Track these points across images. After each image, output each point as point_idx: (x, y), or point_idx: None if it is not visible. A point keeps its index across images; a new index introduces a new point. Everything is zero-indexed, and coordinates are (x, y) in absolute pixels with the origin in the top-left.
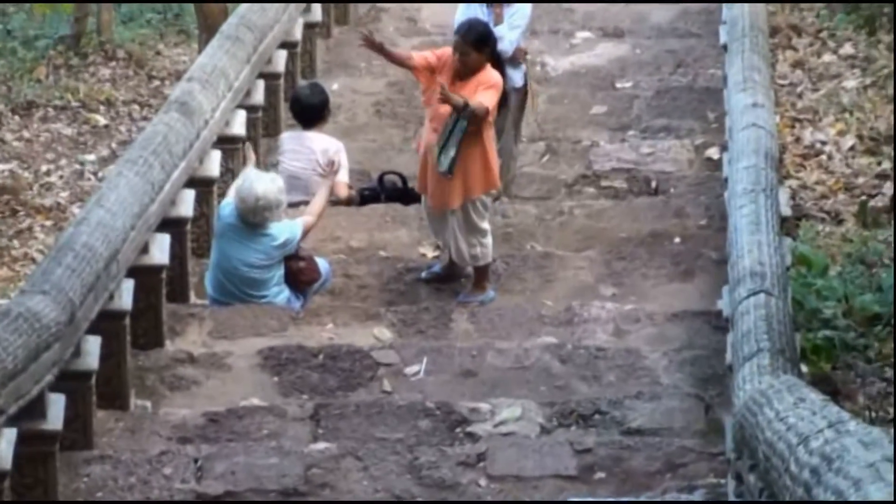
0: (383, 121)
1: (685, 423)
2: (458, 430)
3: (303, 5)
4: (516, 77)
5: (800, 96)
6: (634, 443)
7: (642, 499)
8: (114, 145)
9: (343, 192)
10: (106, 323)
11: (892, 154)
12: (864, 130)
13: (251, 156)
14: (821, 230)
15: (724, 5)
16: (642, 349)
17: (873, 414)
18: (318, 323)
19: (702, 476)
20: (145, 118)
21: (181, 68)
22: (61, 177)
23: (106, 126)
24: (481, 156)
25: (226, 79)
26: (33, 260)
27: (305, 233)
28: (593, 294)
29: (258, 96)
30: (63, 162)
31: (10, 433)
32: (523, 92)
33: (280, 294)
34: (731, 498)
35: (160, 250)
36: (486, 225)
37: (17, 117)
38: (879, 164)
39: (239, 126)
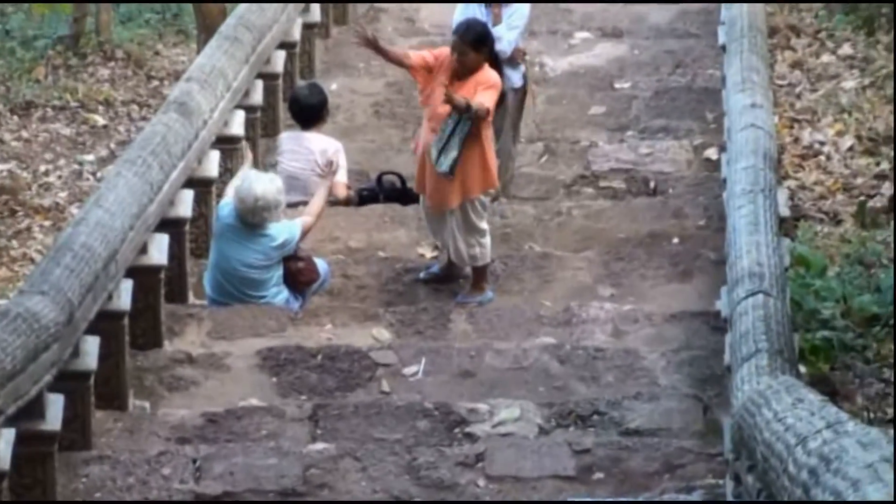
0: (382, 121)
1: (683, 424)
2: (456, 430)
3: (301, 6)
4: (515, 77)
5: (798, 97)
6: (633, 443)
7: (640, 499)
8: (112, 145)
9: (342, 192)
10: (104, 323)
11: (891, 154)
12: (862, 131)
13: (248, 154)
14: (819, 231)
15: (723, 6)
16: (641, 350)
17: (872, 414)
18: (317, 323)
19: (700, 477)
20: (144, 118)
21: (180, 68)
22: (60, 177)
23: (104, 126)
24: (480, 156)
25: (224, 79)
26: (32, 260)
27: (304, 233)
28: (592, 294)
29: (257, 96)
30: (62, 162)
31: (9, 433)
32: (522, 92)
33: (279, 294)
34: (730, 499)
35: (159, 250)
36: (484, 225)
37: (15, 117)
38: (878, 164)
39: (237, 126)
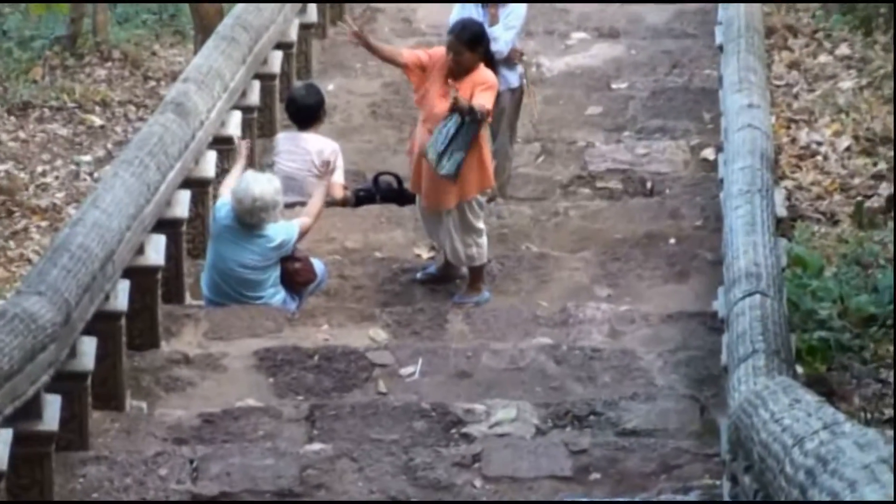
0: (379, 121)
1: (680, 425)
2: (453, 431)
3: (298, 6)
4: (512, 78)
5: (796, 97)
6: (629, 444)
7: (637, 500)
8: (109, 146)
9: (338, 192)
10: (101, 324)
11: (888, 155)
12: (859, 131)
13: (243, 152)
14: (816, 231)
15: (720, 6)
16: (637, 350)
17: (869, 415)
18: (314, 324)
19: (697, 477)
20: (141, 119)
21: (177, 69)
22: (57, 177)
23: (102, 127)
24: (476, 156)
25: (221, 79)
26: (29, 261)
27: (302, 234)
28: (588, 295)
29: (254, 97)
30: (59, 163)
31: (6, 434)
32: (519, 93)
33: (276, 295)
34: (726, 499)
35: (156, 251)
36: (481, 224)
37: (12, 118)
38: (875, 164)
39: (234, 127)
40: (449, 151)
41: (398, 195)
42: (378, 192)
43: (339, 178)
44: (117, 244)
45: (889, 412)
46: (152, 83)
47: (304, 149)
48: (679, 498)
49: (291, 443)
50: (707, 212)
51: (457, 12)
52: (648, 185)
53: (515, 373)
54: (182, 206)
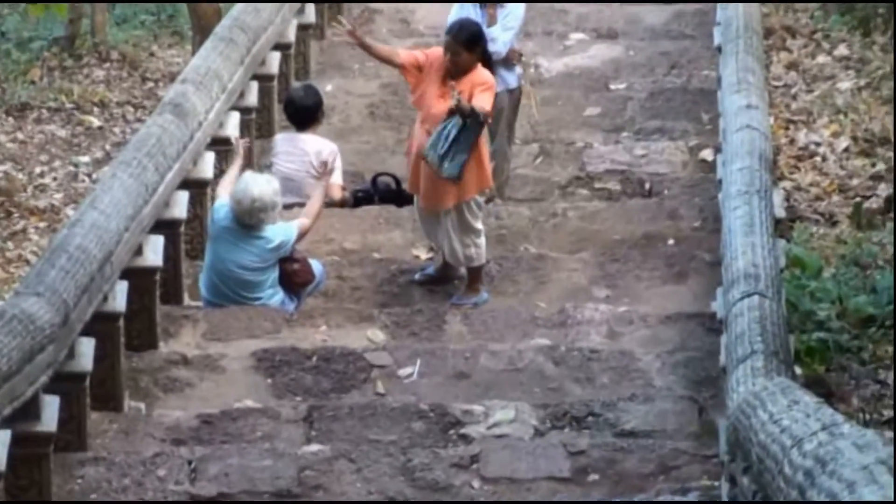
0: (377, 122)
1: (679, 426)
2: (451, 432)
3: (296, 7)
4: (510, 79)
5: (794, 98)
6: (628, 445)
7: (635, 501)
8: (108, 147)
9: (337, 193)
10: (100, 325)
11: (886, 156)
12: (858, 132)
13: (241, 151)
14: (815, 232)
15: (719, 7)
16: (636, 351)
17: (867, 416)
18: (312, 325)
19: (695, 478)
20: (139, 120)
21: (175, 70)
22: (55, 178)
23: (100, 128)
24: (475, 157)
25: (219, 80)
26: (27, 262)
27: (301, 236)
28: (587, 296)
29: (252, 98)
30: (57, 164)
31: (5, 435)
32: (517, 94)
33: (274, 296)
34: (725, 500)
35: (154, 252)
36: (479, 225)
37: (11, 119)
38: (874, 165)
39: (233, 128)
40: (451, 153)
41: (396, 196)
42: (376, 193)
43: (337, 178)
44: (115, 245)
45: (887, 413)
46: (150, 84)
47: (302, 150)
48: (677, 499)
49: (289, 444)
50: (705, 213)
51: (455, 13)
52: (647, 185)
53: (514, 374)
54: (180, 207)
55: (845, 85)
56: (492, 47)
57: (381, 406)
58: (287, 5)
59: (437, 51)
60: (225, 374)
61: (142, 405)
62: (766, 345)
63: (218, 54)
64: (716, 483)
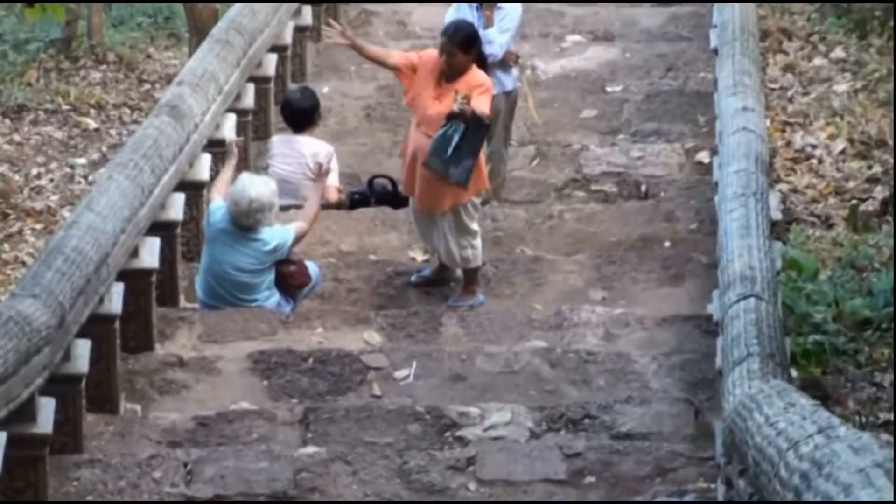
0: (373, 124)
1: (675, 428)
2: (447, 434)
3: (293, 9)
4: (507, 81)
5: (790, 100)
6: (624, 447)
7: (632, 502)
8: (104, 149)
9: (333, 195)
10: (96, 326)
11: (883, 158)
12: (854, 134)
13: (234, 151)
14: (811, 234)
15: (715, 9)
16: (632, 353)
17: (863, 419)
18: (308, 327)
19: (691, 481)
20: (136, 122)
21: (171, 72)
22: (52, 180)
23: (96, 129)
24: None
25: (216, 82)
26: (23, 263)
27: (298, 239)
28: (583, 298)
29: (248, 100)
30: (53, 165)
31: (0, 437)
32: (514, 96)
33: (270, 298)
34: (721, 502)
35: (150, 254)
36: (475, 226)
37: (7, 121)
38: (870, 168)
39: (229, 130)
40: (457, 159)
41: (393, 198)
42: (373, 194)
43: (333, 180)
44: (112, 247)
45: (884, 416)
46: (147, 86)
47: (298, 152)
48: (674, 500)
49: (285, 446)
50: (702, 215)
51: (451, 15)
52: (643, 188)
53: (510, 376)
54: (176, 208)
55: (842, 87)
56: (488, 49)
57: (378, 408)
58: (283, 7)
59: (431, 52)
60: (221, 376)
61: (138, 407)
62: (763, 347)
63: (214, 56)
64: (712, 485)
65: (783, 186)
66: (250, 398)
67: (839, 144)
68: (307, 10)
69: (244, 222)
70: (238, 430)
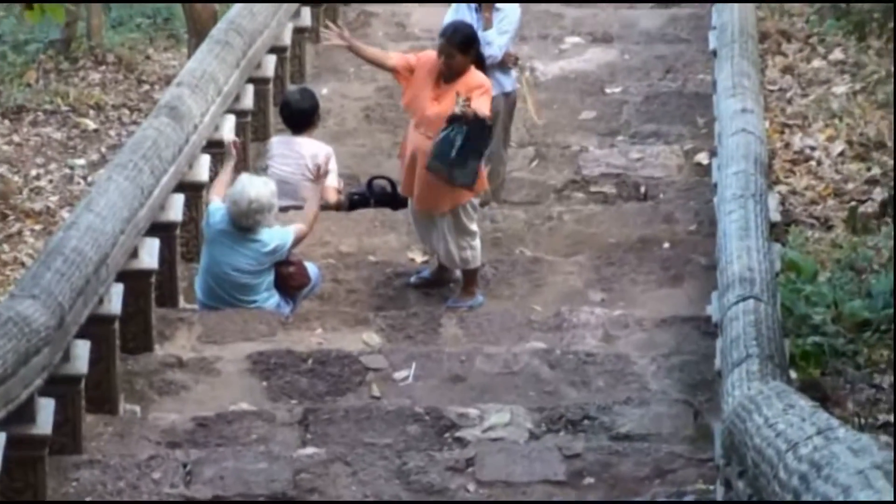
0: (372, 125)
1: (674, 429)
2: (446, 435)
3: (292, 10)
4: (506, 82)
5: (789, 102)
6: (623, 448)
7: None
8: (103, 150)
9: (332, 196)
10: (95, 327)
11: (882, 160)
12: (853, 136)
13: (232, 153)
14: (810, 236)
15: (714, 11)
16: (631, 355)
17: (863, 420)
18: (308, 328)
19: (691, 482)
20: (135, 122)
21: (171, 73)
22: (51, 181)
23: (96, 130)
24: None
25: (215, 83)
26: (23, 264)
27: (297, 241)
28: (582, 299)
29: (247, 101)
30: (53, 166)
31: (0, 437)
32: (513, 97)
33: (269, 299)
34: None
35: (149, 255)
36: (475, 227)
37: (7, 121)
38: (869, 169)
39: (228, 131)
40: (461, 161)
41: (392, 199)
42: (372, 195)
43: (332, 181)
44: (111, 248)
45: (883, 417)
46: (146, 87)
47: (297, 153)
48: (673, 501)
49: (285, 447)
50: (701, 216)
51: (450, 16)
52: (642, 189)
53: (509, 377)
54: (176, 209)
55: (840, 89)
56: (487, 51)
57: (377, 409)
58: (282, 9)
59: (429, 54)
60: (220, 377)
61: (137, 408)
62: (762, 349)
63: (214, 57)
64: (711, 487)
65: (782, 188)
66: (249, 399)
67: (838, 146)
68: (306, 12)
69: (243, 223)
70: (237, 430)
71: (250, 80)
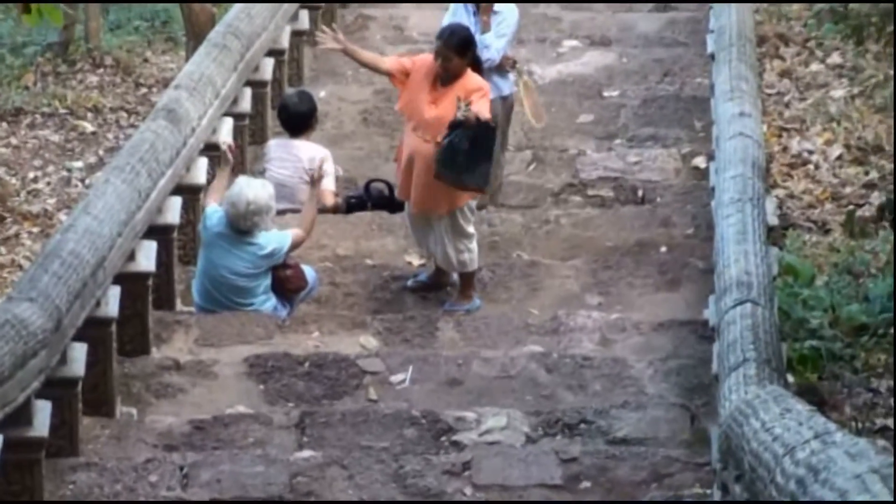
0: (370, 129)
1: (671, 433)
2: (443, 438)
3: (290, 13)
4: (504, 86)
5: (787, 106)
6: (620, 452)
7: None
8: (101, 152)
9: (329, 199)
10: (92, 330)
11: (880, 163)
12: (851, 140)
13: (228, 157)
14: (808, 240)
15: (712, 14)
16: (628, 358)
17: (860, 425)
18: (304, 331)
19: (687, 486)
20: (133, 125)
21: (168, 76)
22: (48, 183)
23: (93, 133)
24: None
25: (213, 86)
26: (20, 267)
27: (295, 246)
28: (579, 303)
29: (245, 104)
30: (50, 169)
31: None
32: (511, 100)
33: (266, 302)
34: None
35: (147, 257)
36: (472, 229)
37: (4, 124)
38: (867, 173)
39: (226, 134)
40: (471, 165)
41: (389, 202)
42: (369, 199)
43: (329, 184)
44: (108, 250)
45: (880, 422)
46: (144, 90)
47: (295, 156)
48: None
49: (281, 450)
50: (698, 220)
51: (448, 19)
52: (640, 193)
53: (506, 381)
54: (173, 212)
55: (838, 93)
56: (485, 54)
57: (374, 412)
58: (280, 12)
59: (425, 57)
60: (217, 380)
61: (134, 411)
62: (759, 353)
63: (211, 60)
64: (708, 491)
65: (780, 192)
66: (246, 402)
67: (836, 150)
68: (304, 15)
69: (241, 225)
70: (234, 433)
71: (248, 83)
